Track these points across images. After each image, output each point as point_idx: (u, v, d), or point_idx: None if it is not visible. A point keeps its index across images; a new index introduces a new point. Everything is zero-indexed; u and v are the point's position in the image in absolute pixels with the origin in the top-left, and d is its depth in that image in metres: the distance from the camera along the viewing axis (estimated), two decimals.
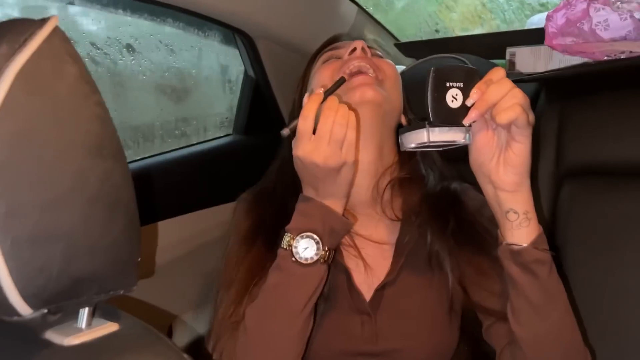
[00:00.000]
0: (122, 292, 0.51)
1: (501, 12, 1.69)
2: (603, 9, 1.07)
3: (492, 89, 0.68)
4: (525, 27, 1.55)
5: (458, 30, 1.80)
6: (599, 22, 1.10)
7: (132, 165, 1.26)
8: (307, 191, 0.81)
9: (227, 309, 0.83)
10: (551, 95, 1.19)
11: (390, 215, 0.90)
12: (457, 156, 0.82)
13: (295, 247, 0.77)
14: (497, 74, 0.70)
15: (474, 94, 0.70)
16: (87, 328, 0.51)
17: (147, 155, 1.28)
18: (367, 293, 0.86)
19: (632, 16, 1.09)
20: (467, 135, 0.73)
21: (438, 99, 0.71)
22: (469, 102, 0.70)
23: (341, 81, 0.81)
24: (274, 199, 0.93)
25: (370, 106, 0.84)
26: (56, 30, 0.46)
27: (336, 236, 0.81)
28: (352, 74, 0.85)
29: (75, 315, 0.52)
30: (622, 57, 1.03)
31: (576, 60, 1.10)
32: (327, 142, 0.73)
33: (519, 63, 1.37)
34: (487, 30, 1.76)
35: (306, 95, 0.78)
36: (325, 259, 0.79)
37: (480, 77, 0.72)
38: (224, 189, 1.40)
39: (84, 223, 0.44)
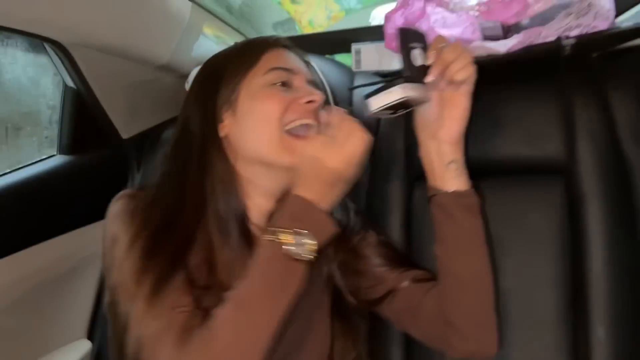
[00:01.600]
0: None
1: (346, 2, 1.64)
2: (439, 8, 1.05)
3: (448, 49, 0.79)
4: (370, 20, 1.52)
5: (304, 22, 1.73)
6: (437, 20, 1.08)
7: None
8: (301, 191, 0.78)
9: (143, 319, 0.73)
10: None
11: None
12: None
13: (286, 240, 0.74)
14: (441, 39, 0.81)
15: (431, 54, 0.80)
16: None
17: None
18: None
19: (467, 13, 1.09)
20: (429, 93, 0.82)
21: (407, 57, 0.79)
22: (429, 61, 0.80)
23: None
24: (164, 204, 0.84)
25: None
26: None
27: (324, 239, 0.77)
28: (294, 129, 0.84)
29: None
30: None
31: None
32: (352, 154, 0.77)
33: (364, 60, 1.34)
34: (333, 23, 1.71)
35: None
36: (313, 259, 0.76)
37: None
38: (57, 218, 1.22)
39: None
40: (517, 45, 1.01)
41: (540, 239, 0.97)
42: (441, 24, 1.08)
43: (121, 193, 0.87)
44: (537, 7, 1.04)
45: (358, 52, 1.32)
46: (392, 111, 0.82)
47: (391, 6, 1.20)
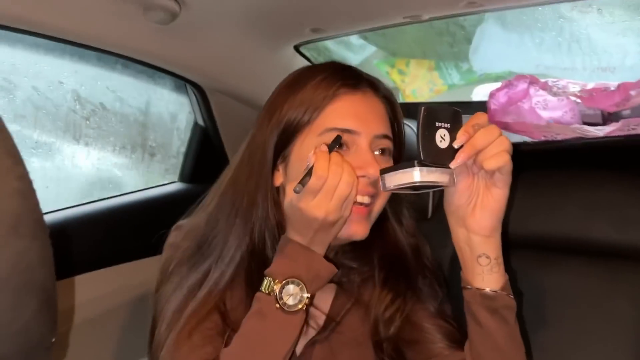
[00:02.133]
0: None
1: (449, 78, 1.75)
2: (542, 90, 1.13)
3: (480, 133, 0.69)
4: (471, 96, 1.61)
5: (408, 92, 1.85)
6: (538, 102, 1.15)
7: (70, 212, 1.21)
8: (291, 234, 0.78)
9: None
10: None
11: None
12: None
13: (280, 293, 0.74)
14: (482, 118, 0.71)
15: (462, 136, 0.70)
16: None
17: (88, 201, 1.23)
18: (299, 344, 0.83)
19: (568, 98, 1.15)
20: (453, 178, 0.72)
21: (428, 137, 0.70)
22: (456, 144, 0.70)
23: (338, 139, 0.78)
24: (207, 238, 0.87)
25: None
26: None
27: (320, 282, 0.78)
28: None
29: None
30: (557, 138, 1.08)
31: (515, 137, 1.14)
32: (331, 199, 0.73)
33: None
34: (435, 94, 1.82)
35: (312, 153, 0.75)
36: (308, 304, 0.76)
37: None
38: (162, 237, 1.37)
39: None
40: (615, 131, 1.05)
41: (624, 326, 0.96)
42: (542, 106, 1.16)
43: (178, 224, 0.92)
44: (639, 99, 1.09)
45: None
46: (412, 190, 0.75)
47: (494, 85, 1.28)
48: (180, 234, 0.90)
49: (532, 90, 1.14)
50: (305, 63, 1.51)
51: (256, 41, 1.25)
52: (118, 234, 1.28)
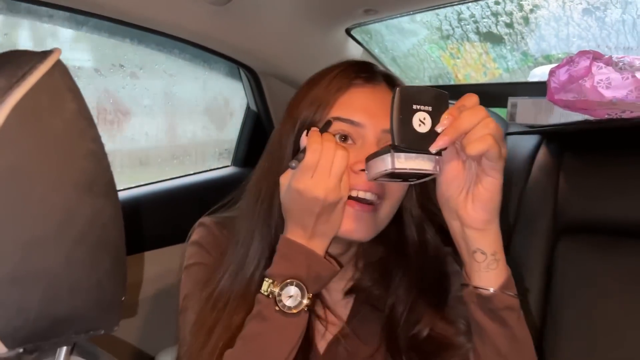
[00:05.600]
0: (102, 332, 0.50)
1: (504, 61, 1.70)
2: (605, 67, 1.08)
3: (464, 115, 0.63)
4: (528, 79, 1.57)
5: (461, 76, 1.82)
6: (601, 80, 1.11)
7: (126, 193, 1.26)
8: (292, 232, 0.74)
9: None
10: (552, 149, 1.20)
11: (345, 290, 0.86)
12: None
13: (279, 295, 0.72)
14: (470, 100, 0.65)
15: (445, 119, 0.64)
16: None
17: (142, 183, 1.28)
18: (321, 343, 0.83)
19: (633, 76, 1.10)
20: (437, 165, 0.67)
21: (404, 121, 0.63)
22: (438, 128, 0.64)
23: (329, 123, 0.76)
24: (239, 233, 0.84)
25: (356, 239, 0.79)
26: (58, 64, 0.46)
27: (321, 282, 0.76)
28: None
29: (52, 352, 0.50)
30: (623, 116, 1.03)
31: (578, 116, 1.10)
32: (328, 176, 0.70)
33: (519, 113, 1.38)
34: (489, 79, 1.78)
35: (304, 133, 0.75)
36: (309, 305, 0.73)
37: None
38: None
39: (67, 264, 0.43)
40: None
41: None
42: (605, 84, 1.11)
43: (201, 220, 0.90)
44: None
45: (514, 106, 1.37)
46: (400, 179, 0.70)
47: (551, 67, 1.24)
48: (206, 231, 0.88)
49: (594, 68, 1.09)
50: (357, 47, 1.50)
51: (309, 24, 1.26)
52: (173, 215, 1.31)
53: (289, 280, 0.72)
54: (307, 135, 0.74)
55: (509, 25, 1.46)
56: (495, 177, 0.65)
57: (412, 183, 0.72)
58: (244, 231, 0.82)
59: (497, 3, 1.41)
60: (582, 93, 1.09)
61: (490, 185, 0.65)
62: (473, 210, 0.67)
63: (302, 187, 0.70)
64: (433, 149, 0.64)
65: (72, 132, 0.45)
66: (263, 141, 1.49)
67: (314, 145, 0.70)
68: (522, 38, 1.50)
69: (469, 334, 0.76)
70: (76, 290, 0.45)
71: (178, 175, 1.37)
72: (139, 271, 1.20)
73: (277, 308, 0.72)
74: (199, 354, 0.77)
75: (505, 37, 1.51)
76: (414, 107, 0.64)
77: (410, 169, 0.65)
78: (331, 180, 0.70)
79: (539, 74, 1.44)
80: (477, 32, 1.55)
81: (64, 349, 0.50)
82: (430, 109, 0.65)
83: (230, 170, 1.50)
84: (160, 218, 1.30)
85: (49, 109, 0.44)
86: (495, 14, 1.44)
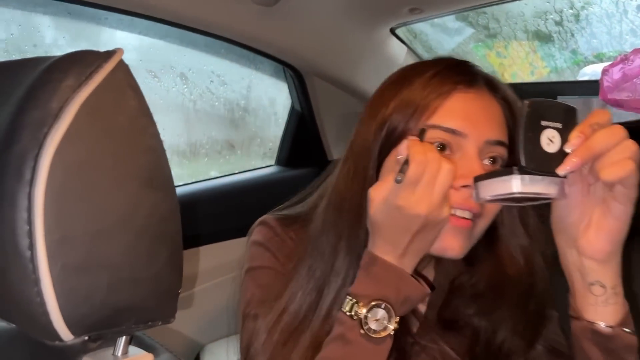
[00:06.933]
0: (160, 324, 0.51)
1: (553, 60, 1.66)
2: None
3: (599, 135, 0.56)
4: (578, 78, 1.53)
5: (507, 75, 1.79)
6: None
7: (181, 189, 1.29)
8: (381, 248, 0.67)
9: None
10: None
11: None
12: None
13: (366, 318, 0.65)
14: (604, 116, 0.58)
15: (575, 137, 0.57)
16: (123, 357, 0.51)
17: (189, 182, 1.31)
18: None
19: None
20: (562, 189, 0.60)
21: (532, 140, 0.57)
22: (568, 148, 0.57)
23: (423, 131, 0.68)
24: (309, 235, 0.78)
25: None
26: (120, 63, 0.48)
27: (409, 305, 0.68)
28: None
29: (112, 343, 0.52)
30: None
31: (631, 115, 1.07)
32: (432, 192, 0.62)
33: None
34: (536, 78, 1.74)
35: (403, 144, 0.66)
36: (395, 329, 0.66)
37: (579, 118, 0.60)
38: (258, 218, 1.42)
39: (129, 254, 0.45)
40: None
41: None
42: None
43: (263, 219, 0.84)
44: None
45: None
46: (514, 202, 0.64)
47: (602, 66, 1.20)
48: (270, 232, 0.82)
49: None
50: (401, 46, 1.50)
51: (354, 23, 1.26)
52: (219, 213, 1.34)
53: (376, 302, 0.65)
54: (405, 144, 0.65)
55: (559, 23, 1.43)
56: (627, 205, 0.58)
57: (523, 205, 0.67)
58: (326, 242, 0.74)
59: (547, 1, 1.38)
60: (637, 92, 1.06)
61: (622, 215, 0.59)
62: (596, 241, 0.60)
63: (404, 203, 0.63)
64: (561, 172, 0.58)
65: (134, 129, 0.47)
66: (307, 141, 1.51)
67: (419, 156, 0.62)
68: (572, 36, 1.46)
69: None
70: (136, 281, 0.47)
71: (224, 174, 1.40)
72: (189, 267, 1.23)
73: (362, 332, 0.65)
74: None
75: (555, 35, 1.48)
76: (543, 123, 0.58)
77: (533, 194, 0.59)
78: (435, 197, 0.63)
79: (589, 72, 1.40)
80: (525, 30, 1.52)
81: (123, 338, 0.52)
82: (560, 125, 0.58)
83: (274, 169, 1.52)
84: (205, 215, 1.32)
85: (113, 106, 0.46)
86: (544, 12, 1.42)
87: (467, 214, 0.68)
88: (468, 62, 0.76)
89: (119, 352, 0.51)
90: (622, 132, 0.56)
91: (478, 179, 0.64)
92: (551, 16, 1.40)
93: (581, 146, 0.56)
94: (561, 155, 0.58)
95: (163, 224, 0.48)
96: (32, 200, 0.41)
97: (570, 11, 1.39)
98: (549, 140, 0.58)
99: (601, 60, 1.51)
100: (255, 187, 1.45)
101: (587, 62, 1.57)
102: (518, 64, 1.75)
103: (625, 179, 0.55)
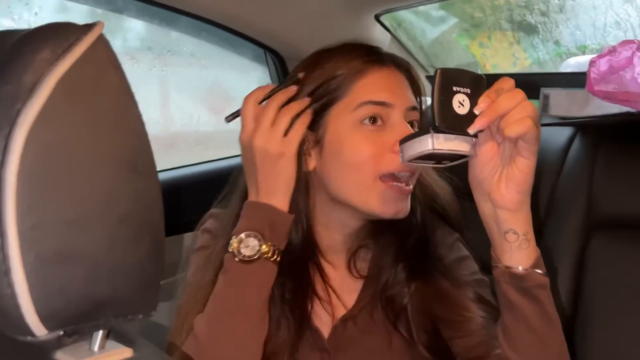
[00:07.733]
0: (141, 317, 0.48)
1: (535, 51, 1.66)
2: None
3: (502, 98, 0.64)
4: (560, 70, 1.53)
5: (489, 66, 1.78)
6: None
7: (164, 174, 1.25)
8: (250, 193, 0.79)
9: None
10: (587, 141, 1.17)
11: (356, 274, 0.86)
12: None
13: (239, 248, 0.75)
14: (508, 83, 0.66)
15: (483, 101, 0.64)
16: (99, 352, 0.48)
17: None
18: (325, 328, 0.82)
19: None
20: (474, 147, 0.67)
21: (444, 102, 0.64)
22: (477, 110, 0.65)
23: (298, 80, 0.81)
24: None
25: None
26: (101, 38, 0.44)
27: (278, 230, 0.77)
28: (386, 176, 0.78)
29: (88, 337, 0.49)
30: None
31: (615, 108, 1.07)
32: (268, 128, 0.75)
33: (552, 105, 1.34)
34: (518, 69, 1.74)
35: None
36: (270, 255, 0.76)
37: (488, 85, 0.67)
38: None
39: (109, 243, 0.42)
40: None
41: None
42: None
43: (212, 212, 0.91)
44: None
45: (546, 97, 1.33)
46: (433, 161, 0.71)
47: (586, 58, 1.20)
48: (217, 222, 0.88)
49: (636, 59, 1.06)
50: (385, 33, 1.48)
51: (339, 8, 1.24)
52: (202, 200, 1.31)
53: (245, 233, 0.75)
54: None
55: (544, 14, 1.43)
56: (530, 158, 0.66)
57: (445, 165, 0.72)
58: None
59: None
60: (623, 84, 1.06)
61: (525, 167, 0.66)
62: (506, 192, 0.68)
63: (243, 136, 0.77)
64: (472, 130, 0.65)
65: (117, 109, 0.43)
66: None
67: (271, 103, 0.76)
68: (557, 27, 1.46)
69: (487, 318, 0.79)
70: (116, 271, 0.44)
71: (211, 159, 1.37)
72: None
73: (236, 259, 0.75)
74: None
75: (539, 26, 1.48)
76: (454, 88, 0.65)
77: (448, 150, 0.66)
78: (271, 132, 0.74)
79: (572, 64, 1.40)
80: (511, 20, 1.52)
81: (100, 332, 0.48)
82: (468, 91, 0.66)
83: None
84: (195, 201, 1.30)
85: (93, 83, 0.42)
86: (529, 2, 1.41)
87: (407, 176, 0.78)
88: (371, 45, 0.87)
89: (96, 347, 0.48)
90: (521, 95, 0.64)
91: (402, 141, 0.71)
92: (537, 6, 1.39)
93: (488, 108, 0.64)
94: (471, 116, 0.65)
95: (146, 211, 0.45)
96: (3, 184, 0.37)
97: (557, 2, 1.38)
98: (460, 104, 0.65)
99: (583, 53, 1.52)
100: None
101: (570, 54, 1.57)
102: (500, 55, 1.75)
103: (525, 134, 0.63)
